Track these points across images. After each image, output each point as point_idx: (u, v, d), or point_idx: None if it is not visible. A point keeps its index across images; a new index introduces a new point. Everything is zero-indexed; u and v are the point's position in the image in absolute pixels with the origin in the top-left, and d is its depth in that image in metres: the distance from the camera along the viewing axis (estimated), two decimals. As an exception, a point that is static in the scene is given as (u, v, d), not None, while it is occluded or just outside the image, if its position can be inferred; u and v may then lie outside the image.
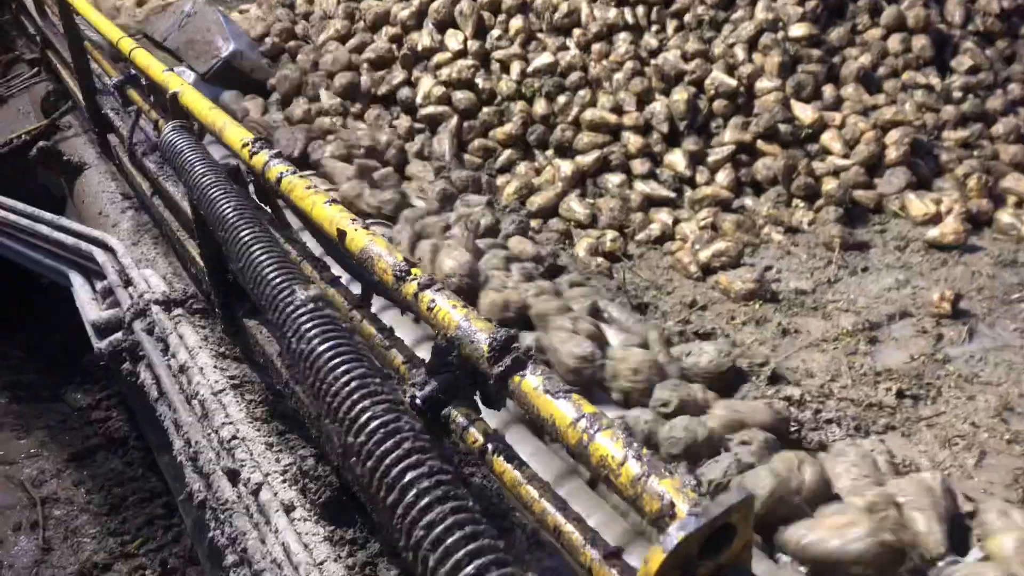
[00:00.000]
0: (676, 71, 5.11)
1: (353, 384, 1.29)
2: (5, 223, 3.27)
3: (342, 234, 1.53)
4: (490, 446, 1.42)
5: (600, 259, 4.38)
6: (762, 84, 5.07)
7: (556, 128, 5.07)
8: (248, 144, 1.82)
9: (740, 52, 5.17)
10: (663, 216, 4.72)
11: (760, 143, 4.95)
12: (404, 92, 5.29)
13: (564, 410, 1.18)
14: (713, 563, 1.06)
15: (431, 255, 3.16)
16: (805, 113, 5.03)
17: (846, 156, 4.94)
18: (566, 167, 4.94)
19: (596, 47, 5.27)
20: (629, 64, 5.14)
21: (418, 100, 5.22)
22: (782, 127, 4.95)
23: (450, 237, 3.45)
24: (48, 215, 3.14)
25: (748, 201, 4.86)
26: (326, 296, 1.54)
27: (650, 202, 4.83)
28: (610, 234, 4.57)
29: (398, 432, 1.31)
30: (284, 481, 1.79)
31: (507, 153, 5.10)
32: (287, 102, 5.24)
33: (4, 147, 4.33)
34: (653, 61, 5.19)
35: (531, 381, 1.24)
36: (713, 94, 5.05)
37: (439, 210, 4.00)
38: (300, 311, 1.41)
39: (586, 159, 4.95)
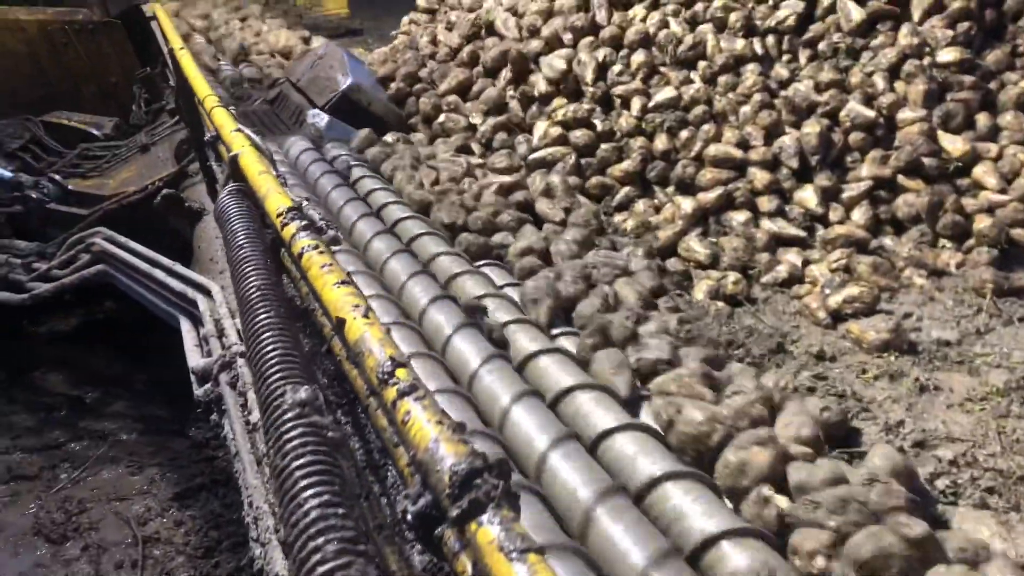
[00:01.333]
0: (808, 102, 4.82)
1: (308, 518, 1.14)
2: (130, 266, 3.47)
3: (341, 323, 1.43)
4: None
5: (720, 303, 4.16)
6: (904, 115, 4.69)
7: (677, 164, 4.89)
8: (282, 214, 1.79)
9: (880, 81, 4.81)
10: (791, 257, 4.43)
11: (901, 178, 4.57)
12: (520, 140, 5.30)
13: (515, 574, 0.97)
14: None
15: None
16: (954, 145, 4.61)
17: (1003, 191, 4.48)
18: (687, 204, 4.75)
19: (722, 79, 5.07)
20: (757, 96, 4.90)
21: (534, 142, 5.19)
22: (927, 160, 4.55)
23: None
24: (165, 260, 3.30)
25: (887, 241, 4.48)
26: (315, 398, 1.39)
27: (778, 241, 4.55)
28: (732, 276, 4.32)
29: None
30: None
31: (625, 190, 4.96)
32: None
33: (140, 193, 4.63)
34: (783, 93, 4.92)
35: (488, 531, 1.03)
36: (849, 126, 4.72)
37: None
38: (283, 419, 1.29)
39: (708, 196, 4.74)
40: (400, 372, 1.30)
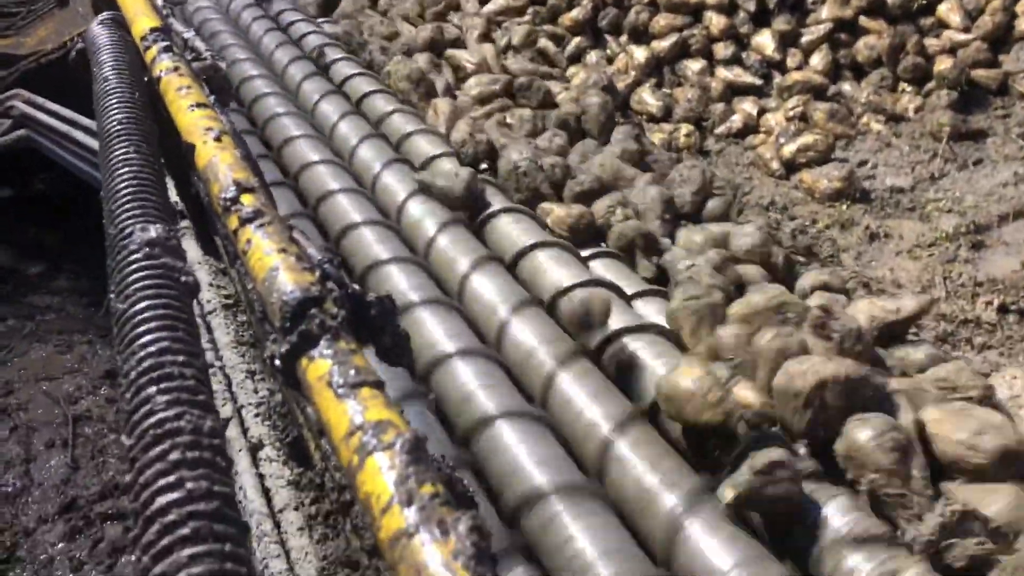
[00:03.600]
0: (768, -62, 4.52)
1: (140, 366, 1.01)
2: (53, 129, 3.26)
3: (190, 148, 1.29)
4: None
5: (673, 156, 4.02)
6: (869, -51, 4.42)
7: (631, 11, 4.61)
8: (146, 36, 1.62)
9: (844, -88, 4.50)
10: (747, 106, 4.27)
11: (863, 19, 4.35)
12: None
13: (344, 412, 0.83)
14: None
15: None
16: (919, -19, 4.37)
17: (967, 30, 4.29)
18: (640, 53, 4.51)
19: (677, -85, 4.71)
20: (714, -67, 4.58)
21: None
22: (890, 0, 4.33)
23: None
24: (87, 121, 3.10)
25: (846, 87, 4.32)
26: (166, 238, 1.23)
27: (733, 91, 4.38)
28: (684, 128, 4.18)
29: (171, 436, 0.98)
30: (258, 415, 1.67)
31: (576, 40, 4.70)
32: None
33: (59, 50, 4.30)
34: (741, -72, 4.59)
35: (319, 365, 0.90)
36: (810, -37, 4.45)
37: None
38: (128, 259, 1.14)
39: (663, 44, 4.50)
40: (246, 198, 1.16)
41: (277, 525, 1.42)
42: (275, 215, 1.13)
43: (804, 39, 4.40)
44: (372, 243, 2.14)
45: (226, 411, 1.66)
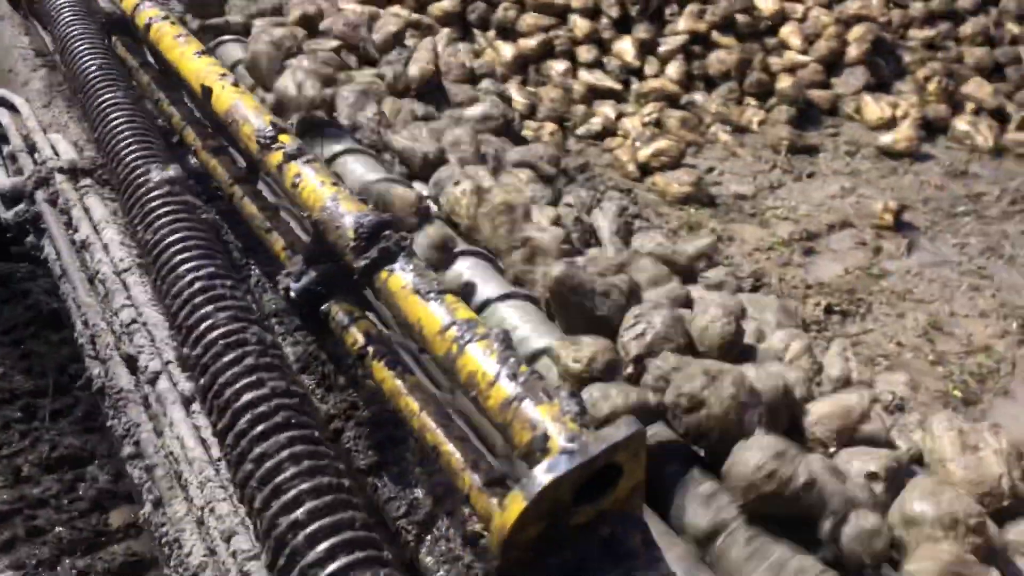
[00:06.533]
0: (632, -51, 4.71)
1: (196, 286, 1.16)
2: None
3: (207, 91, 1.34)
4: (371, 349, 1.24)
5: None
6: (722, -31, 4.70)
7: (499, 7, 4.68)
8: None
9: (702, -69, 4.76)
10: (606, 110, 4.43)
11: (716, 34, 4.63)
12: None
13: (434, 313, 1.03)
14: (593, 508, 0.92)
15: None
16: (765, 3, 4.70)
17: (805, 52, 4.66)
18: (507, 50, 4.59)
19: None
20: (582, -62, 4.72)
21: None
22: (740, 17, 4.63)
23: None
24: None
25: (698, 97, 4.57)
26: (184, 177, 1.40)
27: (594, 94, 4.53)
28: (548, 127, 4.28)
29: (241, 345, 1.19)
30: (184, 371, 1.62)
31: (446, 32, 4.71)
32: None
33: None
34: (607, -64, 4.76)
35: (400, 278, 1.08)
36: (670, -24, 4.68)
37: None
38: (150, 195, 1.22)
39: (529, 42, 4.60)
40: (284, 137, 1.27)
41: (217, 472, 1.40)
42: (315, 154, 1.29)
43: (661, 48, 4.62)
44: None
45: (154, 365, 1.60)
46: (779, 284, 3.34)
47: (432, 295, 1.03)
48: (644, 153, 4.07)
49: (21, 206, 2.31)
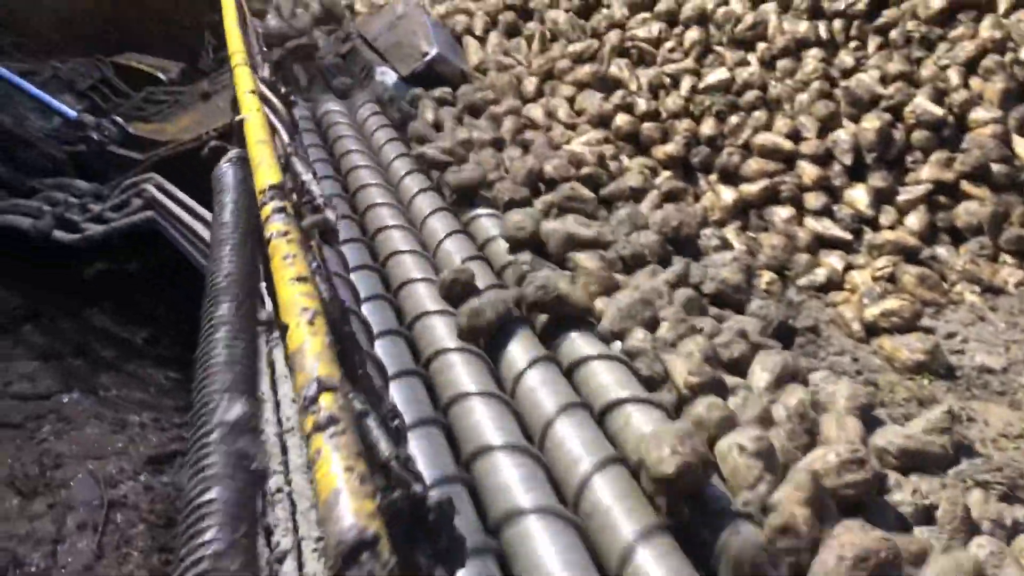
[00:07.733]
0: (871, 94, 4.48)
1: (200, 566, 1.01)
2: (175, 216, 3.45)
3: (284, 328, 1.30)
4: None
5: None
6: (977, 114, 4.32)
7: (723, 152, 4.62)
8: (264, 191, 1.68)
9: (954, 76, 4.43)
10: (833, 260, 4.15)
11: (965, 184, 4.22)
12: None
13: None
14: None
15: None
16: (1028, 151, 4.23)
17: (1078, 206, 4.09)
18: (728, 194, 4.49)
19: (781, 63, 4.75)
20: (816, 84, 4.58)
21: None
22: (996, 167, 4.19)
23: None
24: (207, 214, 3.29)
25: (941, 251, 4.15)
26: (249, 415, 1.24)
27: (820, 242, 4.27)
28: (766, 276, 4.08)
29: None
30: (315, 550, 1.60)
31: (666, 175, 4.72)
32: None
33: (194, 142, 4.57)
34: (844, 83, 4.58)
35: None
36: (913, 123, 4.37)
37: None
38: (204, 440, 1.13)
39: (752, 187, 4.47)
40: (325, 397, 1.14)
41: None
42: (351, 418, 1.13)
43: (900, 197, 4.28)
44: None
45: (286, 542, 1.60)
46: (1029, 483, 2.82)
47: None
48: (872, 312, 3.72)
49: None
